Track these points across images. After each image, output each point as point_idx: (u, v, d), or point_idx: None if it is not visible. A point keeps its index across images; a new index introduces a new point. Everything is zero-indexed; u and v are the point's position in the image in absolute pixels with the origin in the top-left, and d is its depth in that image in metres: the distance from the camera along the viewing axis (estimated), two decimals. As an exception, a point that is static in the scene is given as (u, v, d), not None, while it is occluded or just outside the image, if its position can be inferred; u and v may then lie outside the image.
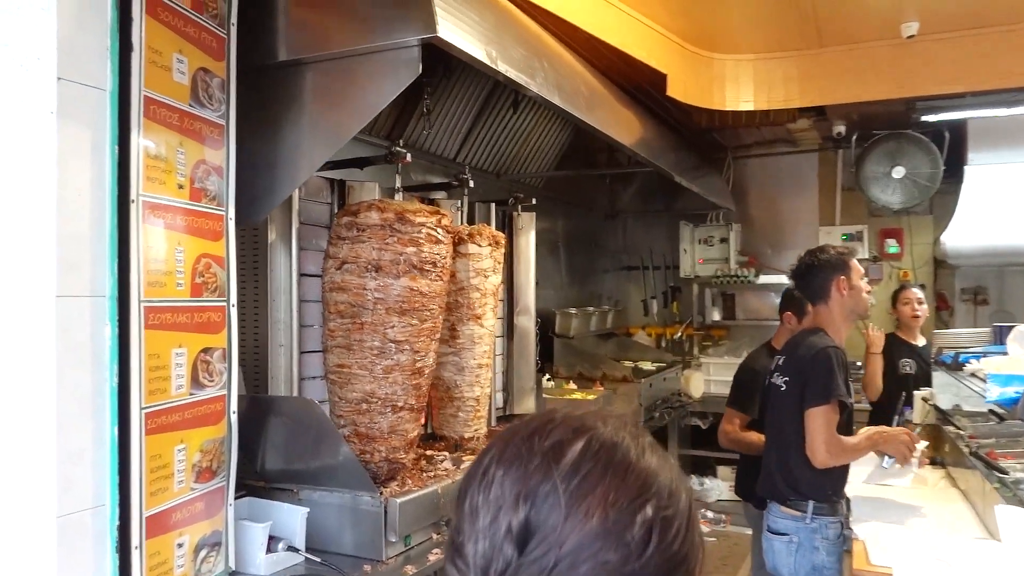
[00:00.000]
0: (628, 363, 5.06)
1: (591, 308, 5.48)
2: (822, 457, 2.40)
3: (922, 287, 4.45)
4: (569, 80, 2.74)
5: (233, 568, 1.95)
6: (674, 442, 5.72)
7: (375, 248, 2.04)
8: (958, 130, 4.95)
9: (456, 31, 1.86)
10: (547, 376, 4.55)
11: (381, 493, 2.14)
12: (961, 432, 2.91)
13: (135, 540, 1.59)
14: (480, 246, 2.55)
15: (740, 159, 6.16)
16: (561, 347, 4.86)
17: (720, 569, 4.98)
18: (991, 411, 3.12)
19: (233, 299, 1.92)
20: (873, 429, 2.63)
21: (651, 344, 6.22)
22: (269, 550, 2.04)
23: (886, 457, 2.70)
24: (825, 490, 2.45)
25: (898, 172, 5.13)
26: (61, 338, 1.46)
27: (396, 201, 2.18)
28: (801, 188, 6.06)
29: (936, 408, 3.28)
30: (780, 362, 2.65)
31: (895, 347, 3.89)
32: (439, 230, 2.16)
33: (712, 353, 6.16)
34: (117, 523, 1.56)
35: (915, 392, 3.47)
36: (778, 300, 6.01)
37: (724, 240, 6.10)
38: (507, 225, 3.46)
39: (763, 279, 5.99)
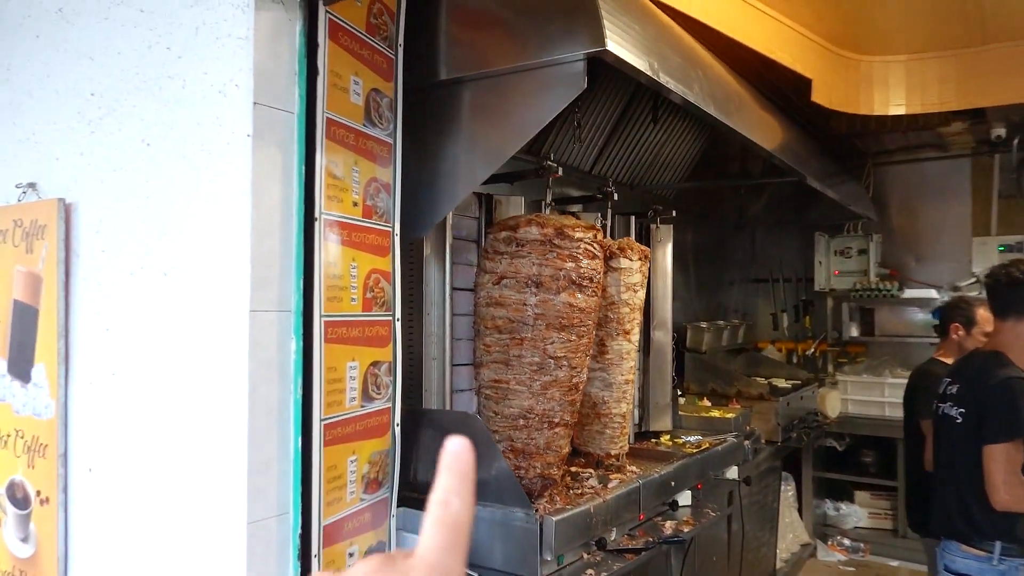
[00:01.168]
0: (761, 380, 4.85)
1: (721, 322, 5.31)
2: (1001, 499, 2.22)
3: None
4: (720, 88, 2.66)
5: (395, 579, 1.98)
6: (809, 464, 5.44)
7: (535, 263, 2.03)
8: None
9: (622, 44, 1.83)
10: (679, 392, 4.43)
11: (536, 510, 2.12)
12: None
13: (315, 548, 1.64)
14: (631, 260, 2.51)
15: (881, 166, 5.82)
16: (692, 362, 4.73)
17: (863, 602, 4.69)
18: None
19: (398, 313, 1.95)
20: None
21: (782, 360, 5.95)
22: (426, 562, 2.06)
23: None
24: (1015, 530, 2.24)
25: (1068, 177, 4.69)
26: (253, 352, 1.53)
27: (554, 216, 2.17)
28: (951, 196, 5.65)
29: None
30: (954, 391, 2.45)
31: None
32: (595, 245, 2.13)
33: (849, 371, 5.82)
34: (299, 531, 1.61)
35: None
36: (923, 315, 5.71)
37: (863, 252, 5.79)
38: (645, 238, 3.39)
39: (908, 293, 5.62)
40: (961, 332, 3.20)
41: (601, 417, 2.59)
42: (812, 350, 6.05)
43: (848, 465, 5.78)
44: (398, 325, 1.95)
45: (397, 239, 1.95)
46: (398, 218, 1.95)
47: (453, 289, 2.41)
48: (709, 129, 4.28)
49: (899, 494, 5.43)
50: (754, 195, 6.10)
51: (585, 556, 2.30)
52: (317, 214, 1.64)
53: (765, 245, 6.39)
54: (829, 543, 5.50)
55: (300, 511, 1.61)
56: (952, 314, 3.28)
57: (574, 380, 2.14)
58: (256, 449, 1.53)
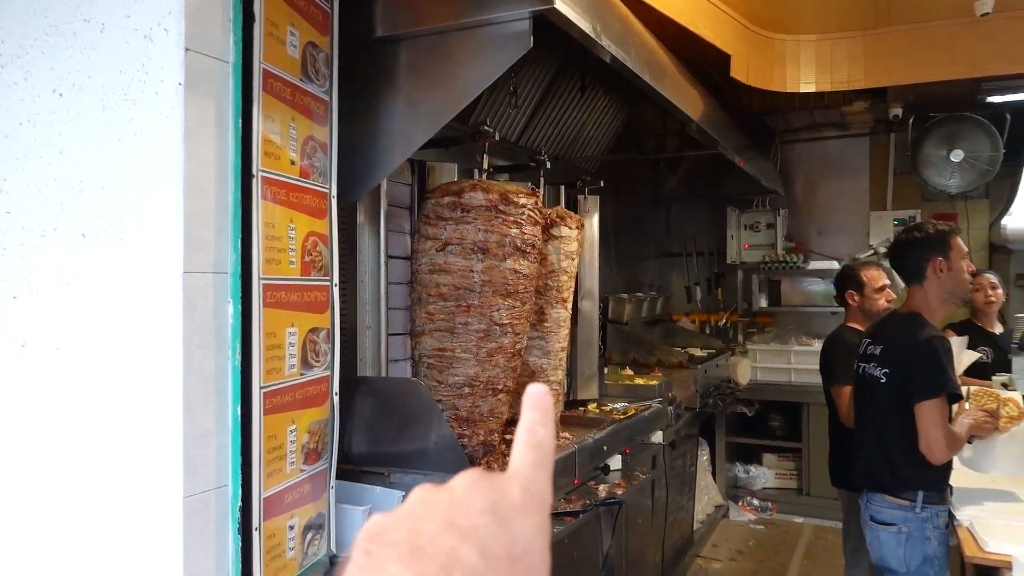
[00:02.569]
0: (679, 349, 5.00)
1: (640, 294, 5.43)
2: (941, 454, 2.32)
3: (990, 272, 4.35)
4: (652, 56, 2.69)
5: (334, 551, 1.93)
6: (722, 430, 5.67)
7: (481, 229, 2.00)
8: (1021, 112, 4.83)
9: (568, 4, 1.81)
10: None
11: (478, 477, 2.10)
12: (1049, 419, 2.84)
13: (255, 521, 1.57)
14: (571, 228, 2.51)
15: (788, 143, 6.07)
16: (614, 333, 4.82)
17: (773, 557, 4.94)
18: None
19: (336, 278, 1.89)
20: (964, 420, 2.51)
21: (696, 331, 6.15)
22: (367, 533, 2.01)
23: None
24: (936, 479, 2.39)
25: (956, 155, 5.02)
26: (187, 317, 1.44)
27: (496, 182, 2.14)
28: (851, 173, 5.96)
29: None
30: (876, 352, 2.55)
31: (971, 336, 3.80)
32: (537, 212, 2.12)
33: (758, 340, 6.08)
34: (239, 504, 1.53)
35: (993, 378, 3.40)
36: (825, 286, 6.01)
37: (771, 226, 6.03)
38: (572, 208, 3.41)
39: (811, 265, 5.90)
40: (856, 297, 3.39)
41: (538, 385, 2.60)
42: (724, 321, 6.28)
43: (757, 430, 6.05)
44: (336, 291, 1.89)
45: (334, 201, 1.87)
46: (335, 180, 1.87)
47: (388, 257, 2.35)
48: (631, 104, 4.33)
49: (803, 455, 5.73)
50: (670, 171, 6.24)
51: (524, 521, 2.32)
52: (254, 171, 1.55)
53: (679, 220, 6.56)
54: (740, 504, 5.76)
55: (240, 483, 1.53)
56: (844, 283, 3.47)
57: (517, 346, 2.14)
58: (192, 419, 1.44)
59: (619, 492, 2.68)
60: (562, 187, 3.20)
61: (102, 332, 1.49)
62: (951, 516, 2.40)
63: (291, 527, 1.73)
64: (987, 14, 3.57)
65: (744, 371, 5.68)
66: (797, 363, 5.73)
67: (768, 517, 5.69)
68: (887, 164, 5.80)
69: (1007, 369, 3.41)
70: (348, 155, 1.94)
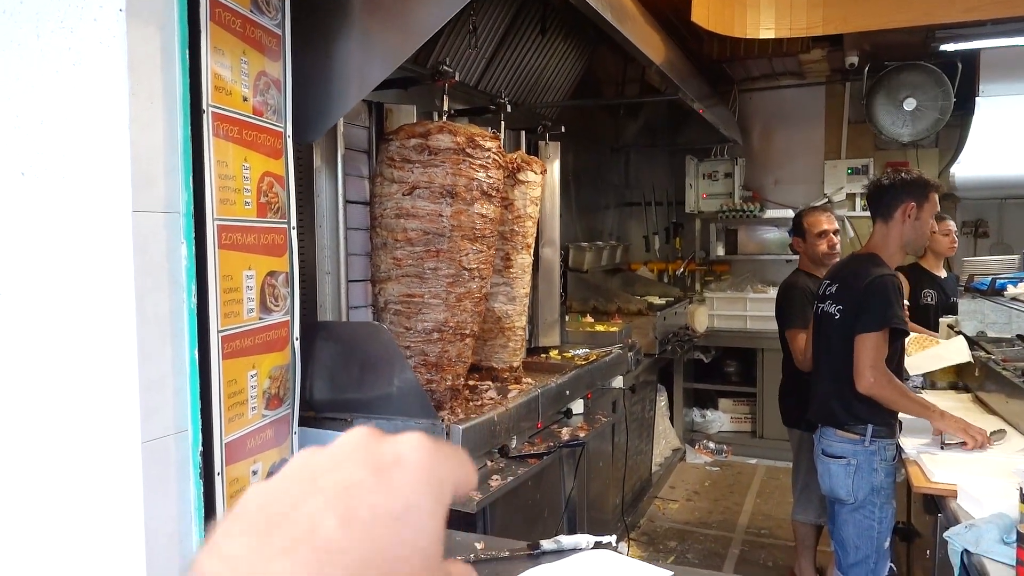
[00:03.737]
0: (638, 297, 5.05)
1: (600, 243, 5.44)
2: (866, 382, 2.40)
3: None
4: (619, 5, 2.63)
5: (299, 497, 1.92)
6: (679, 376, 5.77)
7: (450, 173, 1.95)
8: (971, 61, 4.90)
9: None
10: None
11: (443, 419, 2.11)
12: (992, 356, 2.95)
13: (217, 466, 1.54)
14: (535, 173, 2.48)
15: (746, 92, 6.08)
16: (574, 281, 4.83)
17: (727, 496, 5.10)
18: (1018, 336, 3.17)
19: (293, 221, 1.83)
20: (938, 408, 2.49)
21: (654, 279, 6.21)
22: (331, 479, 2.01)
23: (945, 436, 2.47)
24: (883, 414, 2.46)
25: (909, 104, 5.09)
26: (138, 258, 1.38)
27: (461, 124, 2.09)
28: (806, 121, 6.01)
29: (961, 334, 3.32)
30: (833, 290, 2.61)
31: (918, 278, 3.91)
32: (501, 156, 2.08)
33: (715, 288, 6.18)
34: (200, 448, 1.50)
35: (940, 320, 3.51)
36: (780, 234, 6.11)
37: (728, 175, 6.07)
38: (533, 154, 3.36)
39: (768, 213, 5.98)
40: (800, 243, 3.47)
41: (505, 331, 2.59)
42: (682, 270, 6.35)
43: (713, 375, 6.19)
44: (294, 234, 1.83)
45: (289, 141, 1.81)
46: (290, 119, 1.81)
47: (348, 202, 2.29)
48: (591, 49, 4.27)
49: (757, 400, 5.89)
50: (630, 119, 6.21)
51: (489, 463, 2.33)
52: (205, 106, 1.48)
53: (639, 169, 6.56)
54: (696, 447, 5.91)
55: (200, 428, 1.50)
56: (793, 229, 3.54)
57: (483, 291, 2.12)
58: (147, 362, 1.40)
59: (581, 435, 2.71)
60: (522, 132, 3.15)
61: (49, 275, 1.43)
62: (899, 450, 2.49)
63: (254, 472, 1.71)
64: (944, -41, 3.58)
65: (701, 318, 5.77)
66: (753, 310, 5.85)
67: (723, 459, 5.86)
68: (842, 113, 5.85)
69: (952, 311, 3.52)
70: (303, 93, 1.87)
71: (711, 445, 6.00)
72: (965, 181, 5.10)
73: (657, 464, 5.19)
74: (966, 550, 1.71)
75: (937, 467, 2.20)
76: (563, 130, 3.31)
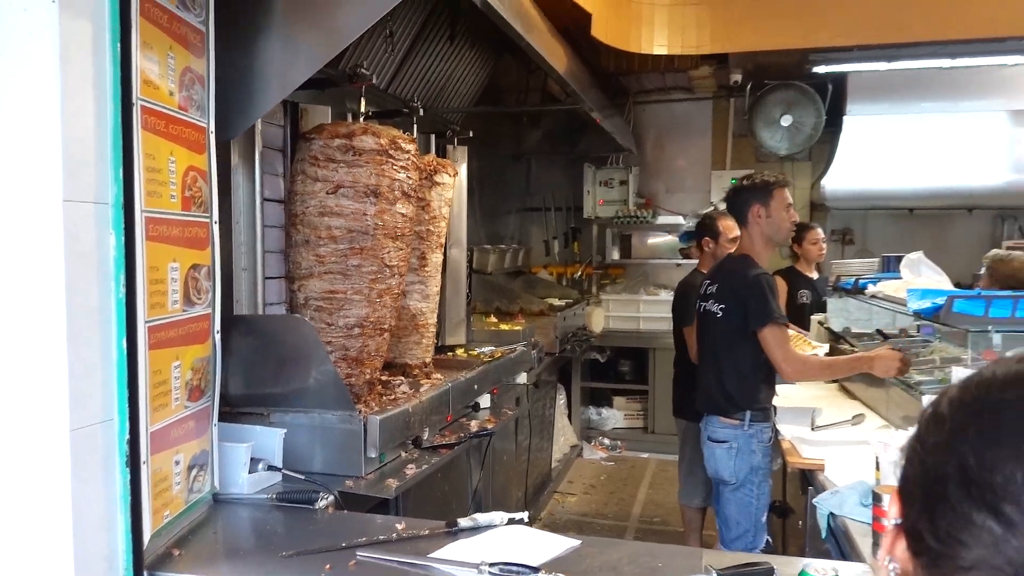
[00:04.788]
0: (539, 299, 5.23)
1: (502, 246, 5.60)
2: (789, 371, 2.61)
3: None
4: (522, 9, 2.78)
5: (217, 488, 1.94)
6: (578, 375, 6.01)
7: (374, 173, 2.02)
8: (839, 83, 5.39)
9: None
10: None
11: (360, 411, 2.17)
12: (855, 349, 3.29)
13: (143, 455, 1.56)
14: (449, 175, 2.58)
15: (639, 104, 6.40)
16: (478, 282, 4.95)
17: (622, 489, 5.36)
18: (878, 331, 3.54)
19: (215, 216, 1.86)
20: (861, 353, 2.79)
21: (554, 282, 6.43)
22: (250, 470, 2.04)
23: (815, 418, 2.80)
24: (759, 401, 2.71)
25: (786, 120, 5.54)
26: (69, 247, 1.39)
27: (384, 127, 2.16)
28: (695, 134, 6.40)
29: (829, 330, 3.68)
30: (713, 289, 2.82)
31: (794, 280, 4.28)
32: (418, 158, 2.17)
33: (610, 291, 6.47)
34: (127, 437, 1.52)
35: (812, 317, 3.86)
36: (671, 239, 6.46)
37: (624, 182, 6.38)
38: (442, 158, 3.47)
39: (660, 220, 6.32)
40: (711, 244, 3.72)
41: (419, 328, 2.68)
42: (579, 273, 6.60)
43: (608, 375, 6.47)
44: (216, 228, 1.87)
45: (212, 137, 1.84)
46: (212, 115, 1.84)
47: (265, 200, 2.33)
48: (495, 58, 4.42)
49: (649, 397, 6.21)
50: (531, 127, 6.41)
51: (403, 454, 2.42)
52: (134, 99, 1.51)
53: (539, 176, 6.77)
54: (592, 443, 6.16)
55: (128, 417, 1.52)
56: (702, 231, 3.79)
57: (401, 287, 2.21)
58: (77, 351, 1.41)
59: (489, 427, 2.83)
60: (432, 136, 3.25)
61: (-32, 264, 1.41)
62: (776, 433, 2.75)
63: (177, 463, 1.73)
64: (817, -10, 3.95)
65: (598, 320, 6.03)
66: (646, 312, 6.17)
67: (617, 454, 6.14)
68: (727, 127, 6.27)
69: (824, 310, 3.88)
70: (224, 90, 1.90)
71: (606, 441, 6.27)
72: (834, 192, 5.60)
73: (556, 460, 5.38)
74: (832, 513, 1.95)
75: (807, 446, 2.47)
76: (471, 135, 3.43)
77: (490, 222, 6.16)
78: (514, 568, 1.52)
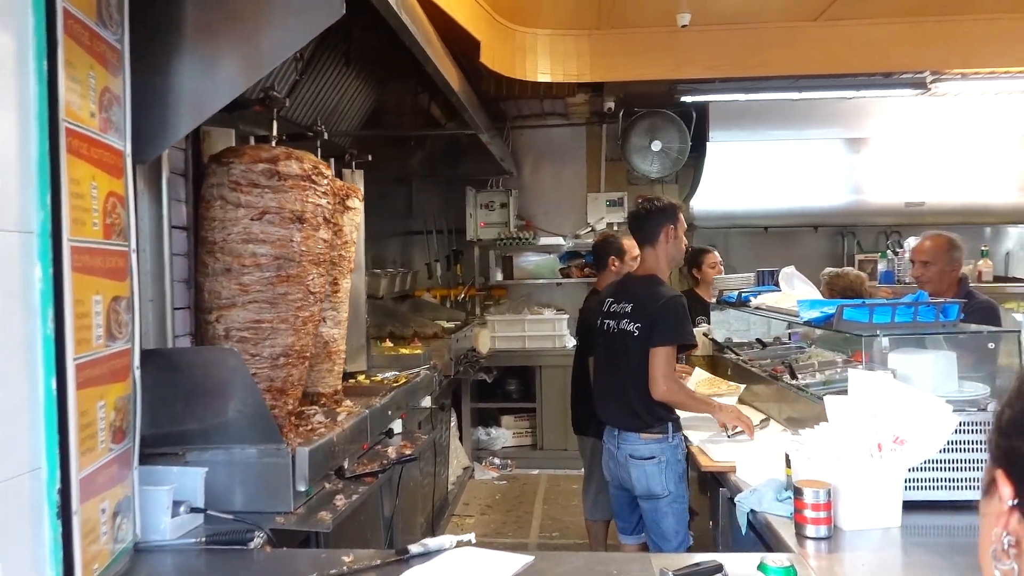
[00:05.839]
0: (432, 322, 5.23)
1: (391, 270, 5.55)
2: (660, 390, 2.73)
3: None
4: (426, 32, 2.81)
5: (139, 536, 1.81)
6: (467, 396, 6.03)
7: (298, 199, 1.97)
8: (702, 111, 5.80)
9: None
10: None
11: (288, 444, 2.10)
12: (740, 358, 3.55)
13: (74, 504, 1.44)
14: (359, 200, 2.55)
15: (517, 128, 6.58)
16: (370, 307, 4.87)
17: (518, 507, 5.41)
18: (757, 339, 3.82)
19: (133, 244, 1.76)
20: (716, 401, 2.96)
21: (439, 305, 6.44)
22: (172, 514, 1.91)
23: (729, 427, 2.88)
24: (675, 412, 2.83)
25: (656, 145, 5.88)
26: (-8, 280, 1.27)
27: (302, 152, 2.11)
28: (571, 158, 6.66)
29: (713, 340, 3.93)
30: (628, 309, 2.87)
31: (692, 305, 4.48)
32: (333, 183, 2.15)
33: (494, 311, 6.55)
34: (58, 486, 1.40)
35: (696, 329, 4.10)
36: (553, 260, 6.66)
37: (504, 205, 6.51)
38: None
39: (541, 241, 6.50)
40: (617, 263, 3.84)
41: (332, 355, 2.62)
42: (463, 295, 6.65)
43: (495, 394, 6.53)
44: (134, 257, 1.76)
45: (129, 161, 1.74)
46: (129, 138, 1.74)
47: (172, 227, 2.20)
48: (383, 82, 4.42)
49: (537, 414, 6.32)
50: (413, 150, 6.41)
51: (327, 485, 2.34)
52: (60, 120, 1.40)
53: (421, 199, 6.78)
54: (483, 464, 6.19)
55: (59, 464, 1.39)
56: (607, 249, 3.91)
57: (321, 314, 2.15)
58: (1, 394, 1.29)
59: (407, 452, 2.80)
60: (332, 160, 3.19)
61: None
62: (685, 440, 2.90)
63: (103, 511, 1.60)
64: (685, 26, 4.26)
65: (485, 340, 6.10)
66: (531, 331, 6.29)
67: (509, 473, 6.20)
68: (600, 151, 6.57)
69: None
70: (140, 113, 1.81)
71: (496, 461, 6.31)
72: (700, 212, 5.99)
73: (451, 483, 5.36)
74: (752, 510, 2.09)
75: (717, 451, 2.63)
76: (369, 158, 3.41)
77: (373, 246, 6.09)
78: (478, 588, 1.53)
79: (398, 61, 4.23)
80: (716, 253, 4.82)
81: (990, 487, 0.66)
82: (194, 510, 1.95)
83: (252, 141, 2.68)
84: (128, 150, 1.74)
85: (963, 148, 5.78)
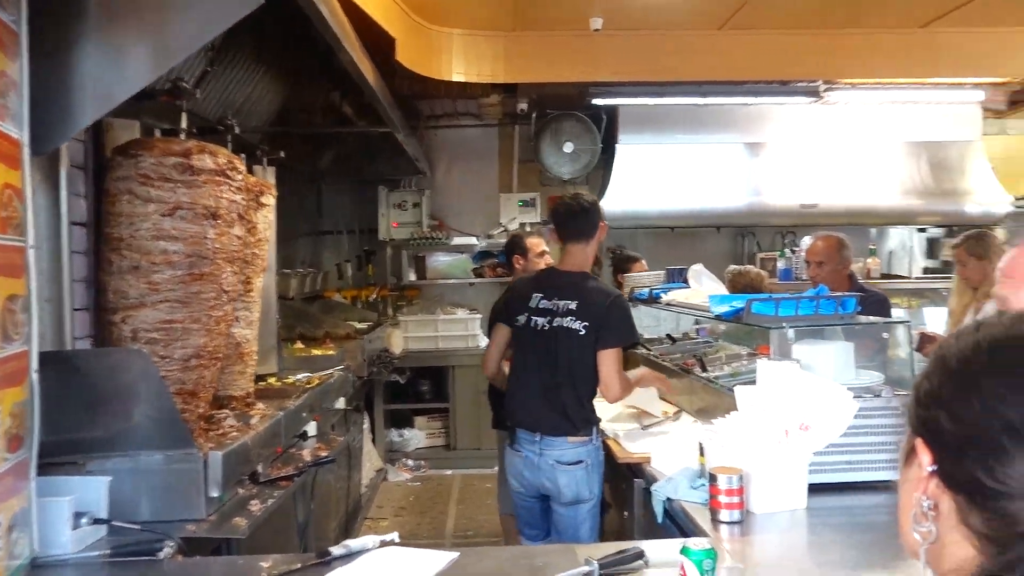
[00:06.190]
0: (344, 322, 5.13)
1: (301, 270, 5.41)
2: (614, 393, 2.70)
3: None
4: (345, 29, 2.77)
5: (37, 551, 1.70)
6: (380, 398, 5.95)
7: (212, 195, 1.89)
8: (613, 114, 5.94)
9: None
10: (273, 337, 4.42)
11: (199, 448, 2.01)
12: (651, 352, 3.66)
13: (-32, 519, 1.34)
14: (273, 197, 2.48)
15: (431, 128, 6.54)
16: (280, 308, 4.73)
17: (432, 508, 5.39)
18: (667, 335, 3.95)
19: (31, 239, 1.65)
20: (643, 370, 3.06)
21: (350, 306, 6.32)
22: (73, 526, 1.80)
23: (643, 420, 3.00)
24: (596, 412, 2.82)
25: (568, 147, 5.98)
26: None
27: (216, 146, 2.03)
28: (484, 158, 6.67)
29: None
30: (572, 306, 2.73)
31: None
32: (246, 179, 2.09)
33: (407, 312, 6.50)
34: (-50, 500, 1.30)
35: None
36: (467, 259, 6.66)
37: (417, 205, 6.47)
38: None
39: (454, 241, 6.49)
40: (522, 261, 3.89)
41: (244, 357, 2.53)
42: (374, 296, 6.56)
43: (408, 395, 6.47)
44: (32, 253, 1.65)
45: (27, 151, 1.64)
46: (27, 126, 1.63)
47: (72, 223, 2.08)
48: (294, 77, 4.30)
49: (451, 414, 6.31)
50: (323, 149, 6.27)
51: (240, 491, 2.27)
52: (-50, 105, 1.30)
53: (331, 198, 6.64)
54: (397, 465, 6.13)
55: (-50, 475, 1.29)
56: (512, 249, 3.96)
57: (235, 313, 2.08)
58: None
59: (323, 454, 2.75)
60: (243, 156, 3.09)
61: None
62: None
63: (-2, 525, 1.50)
64: (598, 30, 4.35)
65: (397, 341, 6.03)
66: (444, 331, 6.28)
67: (423, 474, 6.16)
68: (513, 152, 6.61)
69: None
70: (39, 101, 1.70)
71: (410, 462, 6.26)
72: (611, 213, 6.08)
73: (364, 486, 5.28)
74: (668, 498, 2.17)
75: (632, 443, 2.70)
76: (282, 154, 3.31)
77: (283, 246, 5.90)
78: (406, 587, 1.52)
79: (310, 57, 4.15)
80: (644, 263, 4.94)
81: (910, 455, 0.71)
82: (97, 521, 1.85)
83: (158, 134, 2.57)
84: (26, 139, 1.63)
85: (852, 154, 6.15)
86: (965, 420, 0.64)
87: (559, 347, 2.75)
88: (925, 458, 0.68)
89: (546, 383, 2.76)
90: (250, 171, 3.30)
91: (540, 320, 2.80)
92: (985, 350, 0.66)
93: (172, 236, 1.88)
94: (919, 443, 0.69)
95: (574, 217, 2.85)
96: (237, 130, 2.71)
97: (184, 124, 2.24)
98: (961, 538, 0.65)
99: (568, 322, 2.73)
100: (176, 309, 1.91)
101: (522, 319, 2.88)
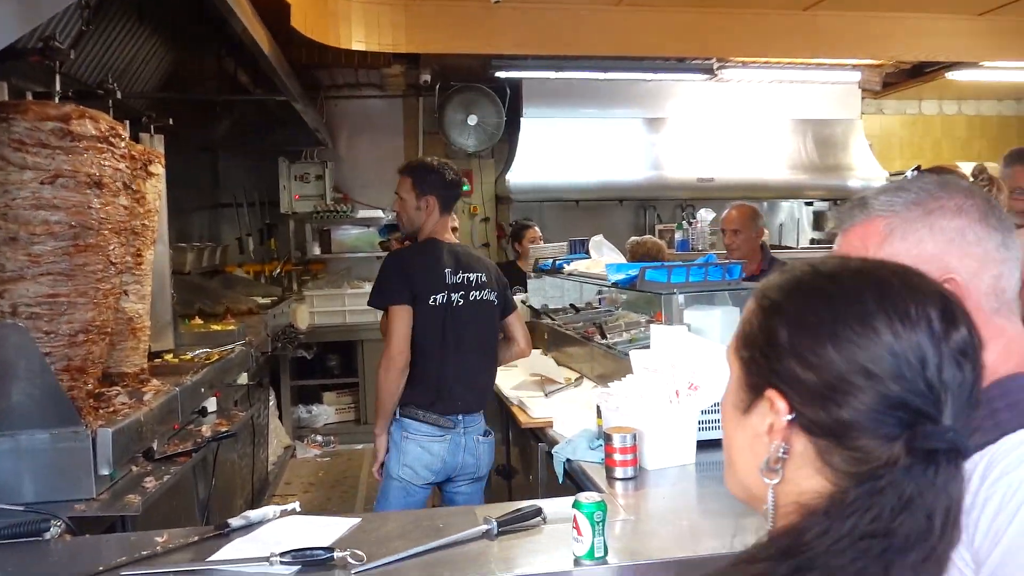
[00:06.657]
0: (245, 297, 4.99)
1: (199, 244, 5.22)
2: (524, 346, 2.84)
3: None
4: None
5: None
6: (287, 374, 5.84)
7: (95, 163, 1.80)
8: (517, 87, 5.97)
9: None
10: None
11: (87, 426, 1.94)
12: (555, 322, 3.75)
13: None
14: (161, 166, 2.38)
15: (331, 99, 6.39)
16: (176, 283, 4.56)
17: (342, 482, 5.37)
18: (570, 304, 4.05)
19: None
20: None
21: (252, 280, 6.15)
22: (-56, 514, 1.71)
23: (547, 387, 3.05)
24: None
25: (472, 120, 5.98)
26: None
27: (99, 112, 1.93)
28: (388, 130, 6.58)
29: (531, 307, 4.11)
30: (484, 279, 2.70)
31: (516, 275, 4.62)
32: (131, 147, 2.00)
33: (312, 286, 6.39)
34: None
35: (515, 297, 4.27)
36: (373, 233, 6.58)
37: (320, 177, 6.33)
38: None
39: (360, 214, 6.39)
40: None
41: (136, 332, 2.44)
42: (278, 270, 6.40)
43: (316, 371, 6.38)
44: None
45: None
46: None
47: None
48: (182, 42, 4.12)
49: (360, 388, 6.27)
50: (219, 119, 6.03)
51: (134, 468, 2.20)
52: None
53: (229, 170, 6.42)
54: (306, 442, 6.06)
55: None
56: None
57: (123, 286, 2.01)
58: None
59: (223, 430, 2.69)
60: (127, 123, 2.95)
61: None
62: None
63: None
64: (499, 2, 4.36)
65: (303, 316, 5.92)
66: (351, 305, 6.20)
67: (332, 450, 6.11)
68: (417, 124, 6.55)
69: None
70: None
71: (319, 438, 6.20)
72: (516, 186, 6.18)
73: (272, 463, 5.19)
74: (568, 459, 2.25)
75: (535, 408, 2.78)
76: (171, 121, 3.18)
77: (177, 220, 5.67)
78: (307, 553, 1.53)
79: (200, 22, 3.97)
80: (536, 229, 5.03)
81: (751, 405, 0.73)
82: (-28, 506, 1.77)
83: (29, 97, 2.42)
84: None
85: (745, 130, 6.42)
86: (820, 368, 0.67)
87: (479, 322, 2.70)
88: (782, 406, 0.69)
89: (477, 360, 2.71)
90: (136, 139, 3.16)
91: (456, 296, 2.66)
92: (827, 295, 0.70)
93: (54, 206, 1.79)
94: (773, 393, 0.70)
95: (453, 184, 2.84)
96: (119, 95, 2.56)
97: (59, 87, 2.11)
98: (813, 472, 0.68)
99: (486, 294, 2.69)
100: (60, 282, 1.82)
101: (440, 297, 2.65)
